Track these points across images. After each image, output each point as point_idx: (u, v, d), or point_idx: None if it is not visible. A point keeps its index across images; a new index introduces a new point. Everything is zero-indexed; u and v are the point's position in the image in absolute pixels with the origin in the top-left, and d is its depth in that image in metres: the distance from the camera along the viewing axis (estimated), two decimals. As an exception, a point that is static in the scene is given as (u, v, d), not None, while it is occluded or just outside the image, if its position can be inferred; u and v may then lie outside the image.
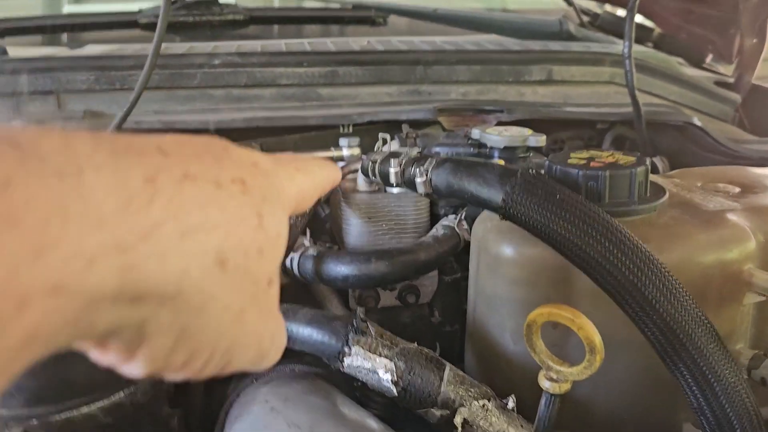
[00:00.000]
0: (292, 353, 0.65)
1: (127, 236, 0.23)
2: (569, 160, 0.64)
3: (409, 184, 0.69)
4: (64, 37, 1.48)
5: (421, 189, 0.66)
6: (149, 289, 0.25)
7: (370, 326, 0.61)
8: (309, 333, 0.61)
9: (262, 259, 0.31)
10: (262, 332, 0.34)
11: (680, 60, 1.44)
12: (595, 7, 1.56)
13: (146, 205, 0.24)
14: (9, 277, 0.19)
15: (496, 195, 0.57)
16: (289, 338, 0.62)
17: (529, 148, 0.87)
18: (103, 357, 0.29)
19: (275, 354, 0.36)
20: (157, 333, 0.27)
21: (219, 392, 0.70)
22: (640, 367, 0.60)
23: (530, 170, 0.57)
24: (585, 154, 0.66)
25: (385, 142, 0.78)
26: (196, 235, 0.26)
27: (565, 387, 0.50)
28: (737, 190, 0.71)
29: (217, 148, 0.32)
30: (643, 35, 1.40)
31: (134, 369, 0.29)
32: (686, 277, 0.52)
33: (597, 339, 0.45)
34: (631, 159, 0.64)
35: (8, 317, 0.19)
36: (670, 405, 0.62)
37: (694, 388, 0.51)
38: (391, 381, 0.59)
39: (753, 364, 0.61)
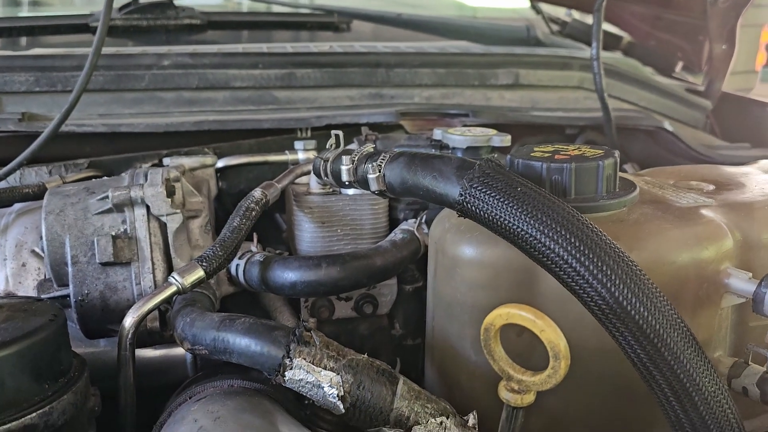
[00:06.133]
0: (235, 367, 0.59)
1: None
2: (532, 154, 0.60)
3: (362, 182, 0.63)
4: (24, 42, 1.41)
5: (374, 186, 0.60)
6: None
7: (315, 336, 0.55)
8: (247, 343, 0.54)
9: None
10: None
11: (651, 71, 1.42)
12: (563, 16, 1.53)
13: None
14: None
15: (452, 189, 0.53)
16: (226, 350, 0.55)
17: (493, 149, 0.82)
18: None
19: None
20: None
21: (154, 412, 0.64)
22: (613, 378, 0.55)
23: (490, 162, 0.53)
24: (550, 148, 0.62)
25: (338, 139, 0.73)
26: None
27: (528, 399, 0.45)
28: (711, 187, 0.67)
29: None
30: (612, 43, 1.38)
31: None
32: (659, 278, 0.48)
33: (562, 343, 0.40)
34: (599, 152, 0.59)
35: None
36: (646, 418, 0.57)
37: (671, 399, 0.45)
38: (338, 396, 0.53)
39: (733, 372, 0.57)
